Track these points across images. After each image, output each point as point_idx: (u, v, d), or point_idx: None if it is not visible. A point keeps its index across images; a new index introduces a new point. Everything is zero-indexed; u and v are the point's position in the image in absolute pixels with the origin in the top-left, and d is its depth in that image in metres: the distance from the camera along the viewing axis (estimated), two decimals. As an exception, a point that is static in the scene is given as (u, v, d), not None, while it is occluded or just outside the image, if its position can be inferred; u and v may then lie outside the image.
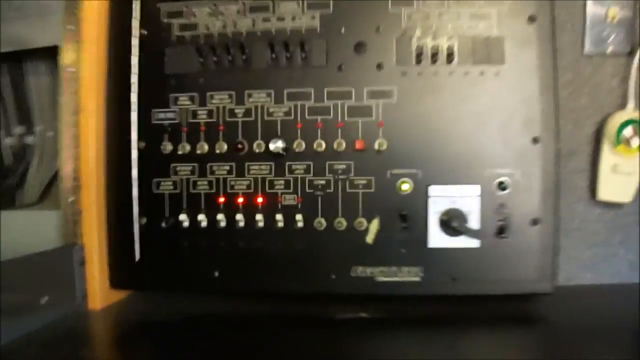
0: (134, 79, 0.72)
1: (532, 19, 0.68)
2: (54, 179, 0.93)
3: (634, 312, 0.67)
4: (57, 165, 0.84)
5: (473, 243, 0.67)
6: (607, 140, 0.78)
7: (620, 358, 0.55)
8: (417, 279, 0.68)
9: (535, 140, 0.67)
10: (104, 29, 0.73)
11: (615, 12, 0.79)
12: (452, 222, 0.66)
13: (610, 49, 0.79)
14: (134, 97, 0.72)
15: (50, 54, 0.85)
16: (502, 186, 0.67)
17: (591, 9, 0.78)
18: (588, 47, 0.79)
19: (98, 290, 0.73)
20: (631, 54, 0.78)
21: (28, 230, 0.85)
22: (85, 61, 0.72)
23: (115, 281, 0.74)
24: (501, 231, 0.67)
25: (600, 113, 0.80)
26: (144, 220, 0.72)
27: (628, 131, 0.76)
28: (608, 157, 0.78)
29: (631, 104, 0.78)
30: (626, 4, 0.78)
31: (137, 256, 0.73)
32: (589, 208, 0.81)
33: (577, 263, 0.81)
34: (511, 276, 0.68)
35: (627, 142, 0.75)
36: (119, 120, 0.73)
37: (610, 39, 0.79)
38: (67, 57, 0.74)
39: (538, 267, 0.67)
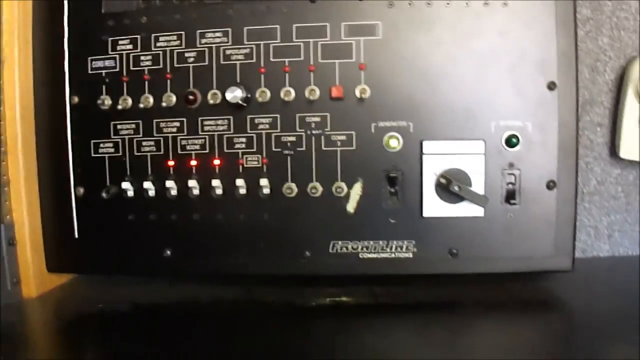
0: (65, 18, 0.69)
1: None
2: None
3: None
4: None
5: (477, 211, 0.64)
6: (631, 88, 0.74)
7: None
8: (409, 255, 0.66)
9: (551, 86, 0.63)
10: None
11: None
12: (452, 186, 0.62)
13: (635, -22, 0.75)
14: (65, 41, 0.69)
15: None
16: (511, 142, 0.63)
17: None
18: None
19: (32, 275, 0.70)
20: (660, -15, 0.75)
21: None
22: (5, 1, 0.67)
23: (53, 264, 0.72)
24: (510, 196, 0.64)
25: (622, 56, 0.77)
26: (82, 191, 0.70)
27: (655, 77, 0.72)
28: (632, 108, 0.74)
29: (659, 45, 0.74)
30: None
31: (76, 233, 0.70)
32: (607, 168, 0.80)
33: (594, 231, 0.81)
34: (522, 251, 0.65)
35: (655, 89, 0.72)
36: (48, 71, 0.70)
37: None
38: (-19, -10, 0.67)
39: (554, 239, 0.64)
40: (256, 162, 0.66)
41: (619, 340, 0.55)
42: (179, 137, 0.67)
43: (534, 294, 0.67)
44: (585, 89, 0.77)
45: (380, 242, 0.65)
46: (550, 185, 0.63)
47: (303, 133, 0.65)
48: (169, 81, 0.66)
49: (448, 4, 0.62)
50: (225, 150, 0.66)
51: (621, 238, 0.80)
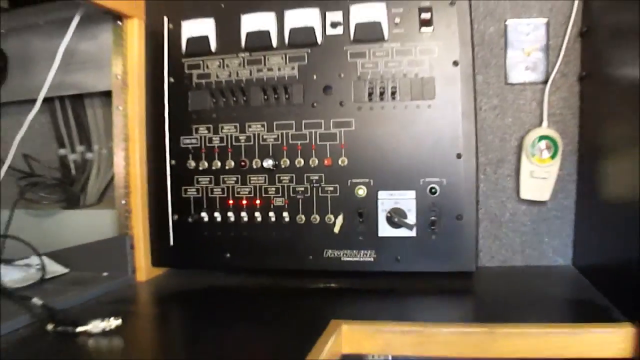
0: (166, 114, 0.88)
1: (455, 63, 0.79)
2: (108, 186, 1.12)
3: (550, 283, 0.83)
4: (110, 175, 1.06)
5: (411, 233, 0.80)
6: (525, 152, 0.89)
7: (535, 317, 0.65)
8: (370, 259, 0.81)
9: (458, 156, 0.79)
10: (143, 77, 0.89)
11: (531, 49, 0.92)
12: (394, 218, 0.79)
13: (528, 79, 0.92)
14: (166, 128, 0.89)
15: (104, 92, 1.05)
16: (432, 191, 0.79)
17: (510, 52, 0.93)
18: (510, 78, 0.93)
19: (144, 267, 0.89)
20: (546, 82, 0.90)
21: (90, 224, 1.05)
22: (130, 102, 0.89)
23: (156, 261, 0.91)
24: (432, 224, 0.79)
25: (521, 130, 0.92)
26: (176, 217, 0.88)
27: (542, 144, 0.89)
28: (526, 165, 0.90)
29: (545, 122, 0.90)
30: (539, 45, 0.92)
31: (172, 242, 0.88)
32: (517, 205, 0.94)
33: (510, 248, 0.94)
34: (441, 258, 0.79)
35: (541, 153, 0.88)
36: (156, 144, 0.90)
37: (528, 71, 0.92)
38: (117, 99, 0.90)
39: (463, 251, 0.79)
40: (281, 202, 0.83)
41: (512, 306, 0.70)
42: (235, 187, 0.85)
43: (460, 287, 0.80)
44: (498, 151, 0.92)
45: (354, 250, 0.81)
46: (459, 217, 0.78)
47: (308, 186, 0.82)
48: (229, 153, 0.85)
49: (394, 107, 0.79)
50: (263, 195, 0.84)
51: (531, 252, 0.93)
